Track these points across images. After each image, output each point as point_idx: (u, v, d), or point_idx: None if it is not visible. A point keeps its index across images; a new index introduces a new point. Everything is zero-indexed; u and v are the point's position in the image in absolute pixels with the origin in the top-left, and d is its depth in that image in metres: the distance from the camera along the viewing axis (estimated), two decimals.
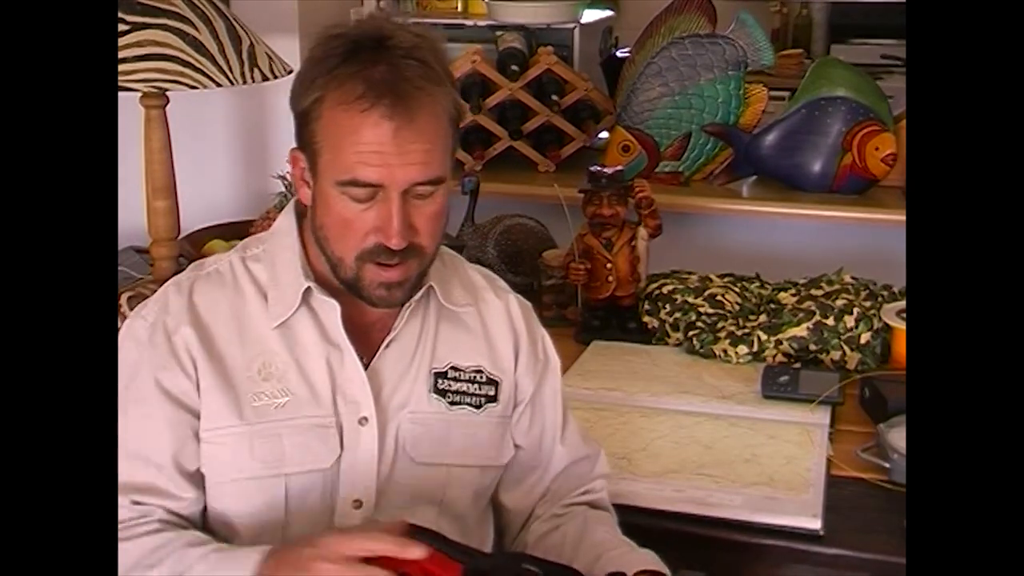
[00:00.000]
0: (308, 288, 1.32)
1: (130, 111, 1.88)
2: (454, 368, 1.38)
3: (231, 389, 1.29)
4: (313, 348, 1.32)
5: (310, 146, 1.28)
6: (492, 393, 1.40)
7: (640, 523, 1.48)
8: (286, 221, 1.38)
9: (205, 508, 1.31)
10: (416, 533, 1.22)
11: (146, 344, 1.30)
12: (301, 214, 1.37)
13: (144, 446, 1.27)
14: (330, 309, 1.32)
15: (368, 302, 1.31)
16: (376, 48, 1.24)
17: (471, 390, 1.38)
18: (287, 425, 1.29)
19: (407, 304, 1.34)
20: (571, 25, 2.80)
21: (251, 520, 1.29)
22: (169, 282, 1.37)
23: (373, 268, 1.28)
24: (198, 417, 1.29)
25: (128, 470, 1.26)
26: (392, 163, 1.22)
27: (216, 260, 1.38)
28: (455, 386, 1.38)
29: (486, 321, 1.42)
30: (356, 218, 1.26)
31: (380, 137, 1.22)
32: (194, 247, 2.17)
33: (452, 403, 1.37)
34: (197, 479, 1.29)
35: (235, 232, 2.19)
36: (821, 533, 1.48)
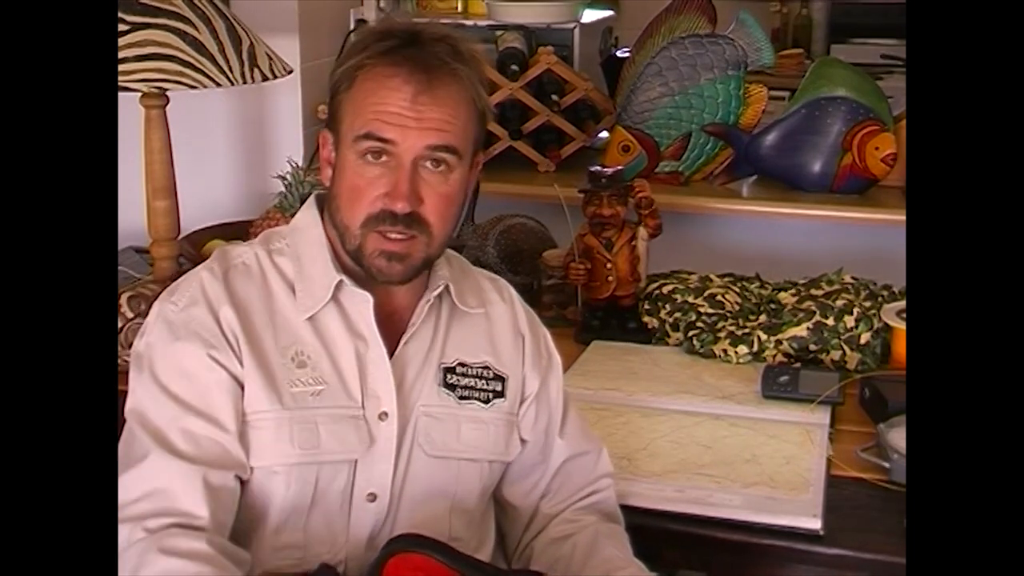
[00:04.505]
0: (340, 281, 1.33)
1: (130, 111, 1.88)
2: (462, 364, 1.40)
3: (270, 374, 1.30)
4: (340, 340, 1.33)
5: (337, 116, 1.33)
6: (499, 389, 1.42)
7: (640, 523, 1.48)
8: (308, 216, 1.40)
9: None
10: (418, 543, 1.22)
11: (181, 327, 1.29)
12: (322, 210, 1.39)
13: (210, 409, 1.26)
14: (362, 301, 1.34)
15: (368, 274, 1.33)
16: (410, 32, 1.32)
17: (479, 385, 1.40)
18: (323, 413, 1.30)
19: (426, 299, 1.37)
20: (571, 25, 2.81)
21: (282, 504, 1.29)
22: (198, 269, 1.36)
23: (376, 237, 1.30)
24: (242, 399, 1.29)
25: (196, 436, 1.25)
26: (408, 125, 1.28)
27: (241, 253, 1.38)
28: (463, 381, 1.40)
29: (493, 323, 1.45)
30: (367, 184, 1.30)
31: (400, 99, 1.28)
32: (194, 247, 2.16)
33: (461, 398, 1.39)
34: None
35: (235, 232, 2.19)
36: (821, 533, 1.48)
